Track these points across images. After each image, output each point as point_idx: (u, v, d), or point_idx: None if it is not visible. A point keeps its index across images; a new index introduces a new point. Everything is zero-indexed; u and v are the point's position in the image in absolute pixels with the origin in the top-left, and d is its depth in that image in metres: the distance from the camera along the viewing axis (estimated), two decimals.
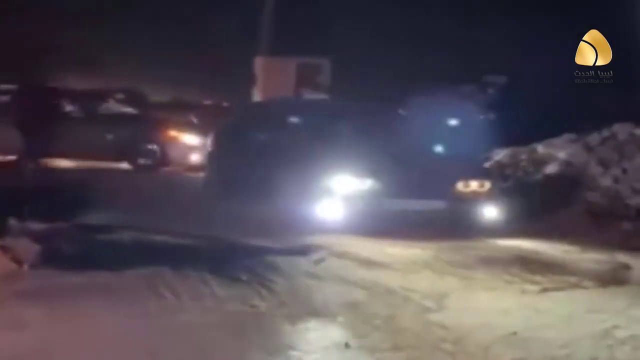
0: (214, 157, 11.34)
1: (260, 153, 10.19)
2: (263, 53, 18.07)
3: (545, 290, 6.68)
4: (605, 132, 10.01)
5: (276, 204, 9.19)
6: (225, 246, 7.53)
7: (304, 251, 7.42)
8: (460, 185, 9.18)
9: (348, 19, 20.52)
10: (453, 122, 14.79)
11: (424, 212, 8.81)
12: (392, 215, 8.73)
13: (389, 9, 20.77)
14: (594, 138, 9.92)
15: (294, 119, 11.07)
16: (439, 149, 12.10)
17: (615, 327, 5.51)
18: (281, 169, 9.50)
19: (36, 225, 7.54)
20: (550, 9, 20.22)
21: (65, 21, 22.18)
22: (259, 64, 17.93)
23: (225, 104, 21.10)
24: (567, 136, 10.46)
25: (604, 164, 9.46)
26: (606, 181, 9.39)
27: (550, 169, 9.80)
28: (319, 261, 7.13)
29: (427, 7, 20.44)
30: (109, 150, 14.86)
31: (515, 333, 5.33)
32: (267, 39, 18.19)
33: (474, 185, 9.25)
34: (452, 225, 8.73)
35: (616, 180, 9.37)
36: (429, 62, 19.68)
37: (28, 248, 6.81)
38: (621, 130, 9.97)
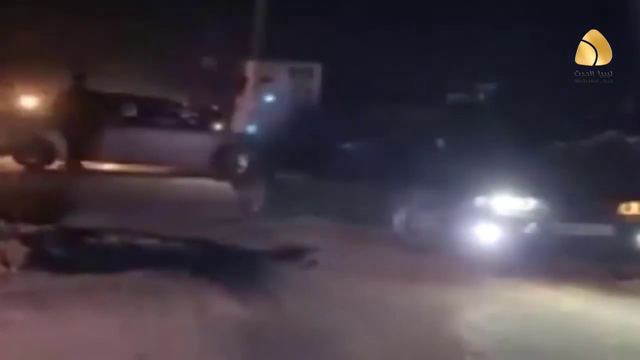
0: (262, 167, 10.25)
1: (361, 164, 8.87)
2: (255, 57, 18.06)
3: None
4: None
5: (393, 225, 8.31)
6: (217, 250, 7.50)
7: (295, 254, 7.39)
8: (623, 207, 7.89)
9: (340, 25, 20.58)
10: None
11: (590, 238, 7.57)
12: (559, 242, 7.53)
13: (381, 15, 20.83)
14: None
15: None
16: None
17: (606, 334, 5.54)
18: (404, 184, 8.24)
19: (25, 228, 7.50)
20: (541, 15, 20.31)
21: (54, 21, 22.19)
22: (251, 67, 17.91)
23: (215, 108, 21.08)
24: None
25: None
26: None
27: None
28: (309, 265, 7.11)
29: (419, 13, 20.50)
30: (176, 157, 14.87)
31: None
32: (259, 43, 18.18)
33: (634, 207, 7.94)
34: (617, 257, 7.61)
35: None
36: (421, 68, 19.73)
37: (16, 250, 6.77)
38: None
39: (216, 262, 6.97)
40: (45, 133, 14.09)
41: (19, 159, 14.26)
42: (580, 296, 6.79)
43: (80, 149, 13.49)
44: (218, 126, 16.20)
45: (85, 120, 13.31)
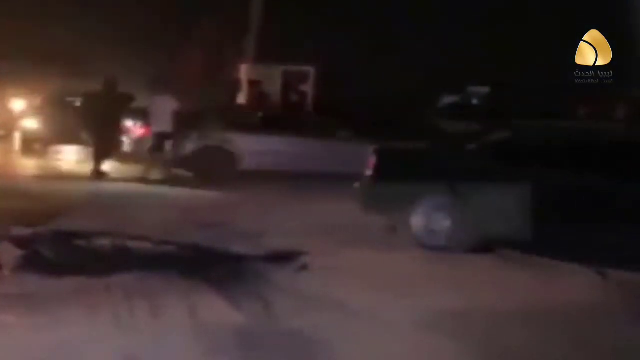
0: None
1: None
2: (248, 60, 18.08)
3: None
4: None
5: None
6: (208, 253, 7.50)
7: (286, 258, 7.39)
8: None
9: (334, 28, 20.60)
10: None
11: None
12: None
13: (376, 19, 20.85)
14: None
15: None
16: None
17: None
18: None
19: (18, 230, 7.50)
20: (535, 20, 20.34)
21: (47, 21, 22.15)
22: (244, 71, 17.94)
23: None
24: None
25: None
26: None
27: None
28: (301, 269, 7.11)
29: (414, 16, 20.53)
30: None
31: None
32: (253, 46, 18.21)
33: None
34: None
35: None
36: (415, 72, 19.75)
37: (9, 253, 6.77)
38: None
39: (207, 265, 6.97)
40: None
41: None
42: None
43: (107, 154, 13.50)
44: None
45: (113, 125, 13.44)
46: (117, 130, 13.69)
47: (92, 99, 13.49)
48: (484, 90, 21.83)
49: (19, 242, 7.12)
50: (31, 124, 17.05)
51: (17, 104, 19.85)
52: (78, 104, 15.65)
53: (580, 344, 5.42)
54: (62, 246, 7.21)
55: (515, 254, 7.79)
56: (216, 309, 5.75)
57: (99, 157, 13.28)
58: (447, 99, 21.95)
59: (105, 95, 13.25)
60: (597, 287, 6.98)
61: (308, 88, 18.15)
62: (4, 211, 8.52)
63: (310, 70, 18.09)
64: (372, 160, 8.74)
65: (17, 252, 6.80)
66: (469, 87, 21.96)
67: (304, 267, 7.13)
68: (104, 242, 7.46)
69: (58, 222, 8.27)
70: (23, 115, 18.23)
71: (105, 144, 13.28)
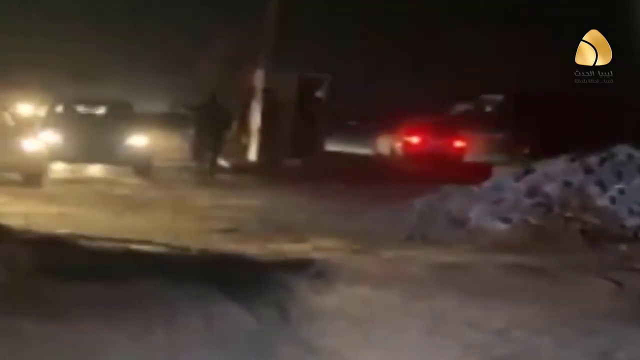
0: None
1: None
2: (263, 67, 18.06)
3: None
4: (604, 153, 9.96)
5: None
6: (224, 259, 7.50)
7: (302, 265, 7.37)
8: None
9: (348, 36, 20.62)
10: None
11: None
12: None
13: (389, 28, 20.87)
14: (593, 158, 9.86)
15: None
16: None
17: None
18: None
19: (35, 233, 7.51)
20: (546, 27, 20.35)
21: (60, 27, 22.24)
22: (259, 77, 17.93)
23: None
24: (565, 156, 10.41)
25: (602, 185, 9.39)
26: (604, 202, 9.33)
27: (549, 189, 9.70)
28: (317, 276, 7.09)
29: (426, 25, 20.56)
30: None
31: None
32: (268, 52, 18.19)
33: None
34: None
35: (613, 201, 9.32)
36: (426, 78, 19.77)
37: (25, 256, 6.77)
38: (620, 151, 9.92)
39: (223, 271, 6.96)
40: None
41: None
42: None
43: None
44: None
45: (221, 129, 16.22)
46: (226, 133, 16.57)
47: (202, 108, 16.44)
48: (497, 97, 21.81)
49: (36, 245, 7.12)
50: (48, 136, 14.93)
51: (26, 110, 19.46)
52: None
53: (598, 354, 5.40)
54: (79, 251, 7.23)
55: (529, 263, 7.79)
56: (234, 316, 5.71)
57: (215, 156, 16.08)
58: (460, 106, 21.91)
59: (211, 105, 16.20)
60: (613, 295, 6.95)
61: (323, 95, 18.13)
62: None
63: (326, 77, 18.08)
64: None
65: (34, 256, 6.80)
66: (481, 95, 21.90)
67: (320, 274, 7.11)
68: (120, 246, 7.48)
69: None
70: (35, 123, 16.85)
71: (219, 144, 16.06)
